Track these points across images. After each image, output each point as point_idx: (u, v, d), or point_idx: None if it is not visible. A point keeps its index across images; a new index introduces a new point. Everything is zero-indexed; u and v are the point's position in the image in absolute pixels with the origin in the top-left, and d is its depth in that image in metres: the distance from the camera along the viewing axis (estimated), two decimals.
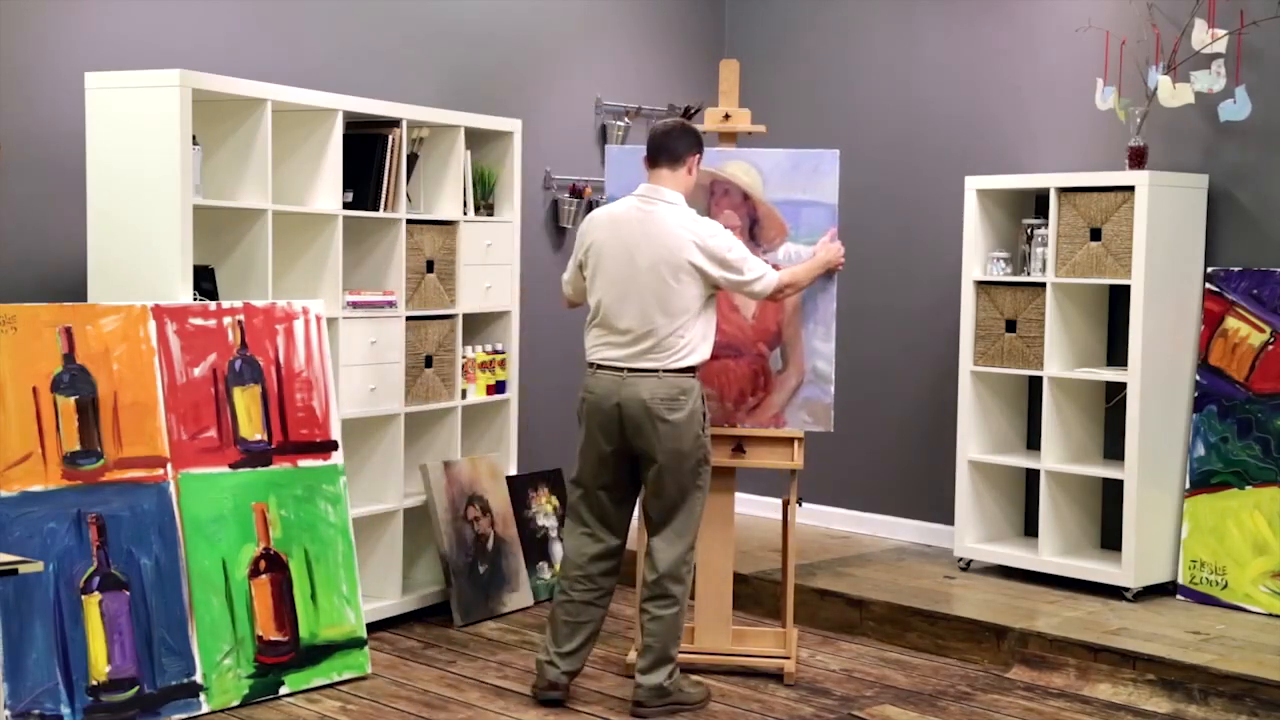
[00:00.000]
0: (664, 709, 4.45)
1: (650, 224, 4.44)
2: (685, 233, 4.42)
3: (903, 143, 6.57)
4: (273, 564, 4.58)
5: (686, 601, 4.53)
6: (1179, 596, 5.52)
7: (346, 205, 5.22)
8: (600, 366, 4.49)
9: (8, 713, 3.93)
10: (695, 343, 4.46)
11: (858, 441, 6.73)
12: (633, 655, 4.79)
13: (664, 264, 4.40)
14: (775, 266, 4.66)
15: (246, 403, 4.63)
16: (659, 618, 4.47)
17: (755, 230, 4.82)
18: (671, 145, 4.49)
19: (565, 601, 4.57)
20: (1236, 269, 5.51)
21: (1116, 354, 5.71)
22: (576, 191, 6.62)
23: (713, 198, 4.82)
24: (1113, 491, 5.68)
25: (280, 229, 5.00)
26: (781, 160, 4.83)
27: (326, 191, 5.14)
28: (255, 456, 4.62)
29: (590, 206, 6.73)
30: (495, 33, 6.33)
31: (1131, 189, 5.39)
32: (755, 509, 6.78)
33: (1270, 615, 5.28)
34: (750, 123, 4.92)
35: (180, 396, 4.47)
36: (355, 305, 5.22)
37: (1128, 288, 5.44)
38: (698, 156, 4.54)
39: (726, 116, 4.90)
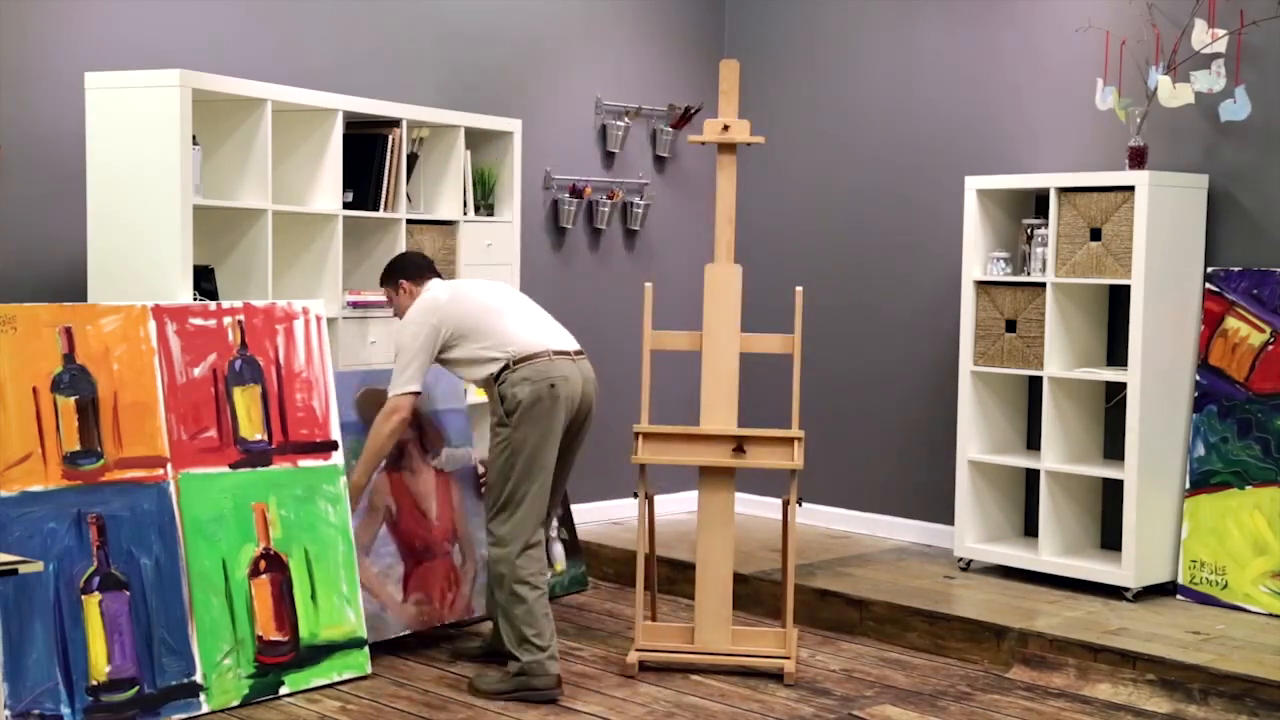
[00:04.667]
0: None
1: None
2: None
3: (903, 143, 6.57)
4: (273, 564, 4.58)
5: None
6: (1179, 596, 5.52)
7: (346, 205, 5.23)
8: (558, 353, 4.66)
9: (8, 713, 3.93)
10: None
11: (858, 441, 6.73)
12: (632, 656, 4.80)
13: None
14: (439, 470, 5.16)
15: (246, 403, 4.63)
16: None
17: (423, 439, 5.14)
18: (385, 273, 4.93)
19: (544, 595, 4.67)
20: (1236, 269, 5.51)
21: (1116, 354, 5.71)
22: (576, 191, 6.62)
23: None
24: (1113, 491, 5.68)
25: (280, 229, 5.00)
26: (429, 374, 5.03)
27: (326, 191, 5.14)
28: (255, 456, 4.61)
29: (590, 206, 6.74)
30: (495, 33, 6.33)
31: (1131, 189, 5.39)
32: (755, 509, 6.78)
33: (1270, 615, 5.28)
34: (750, 133, 4.91)
35: (180, 396, 4.47)
36: (355, 305, 5.22)
37: (1128, 288, 5.44)
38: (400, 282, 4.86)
39: (726, 128, 4.89)
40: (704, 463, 4.82)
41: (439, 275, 4.92)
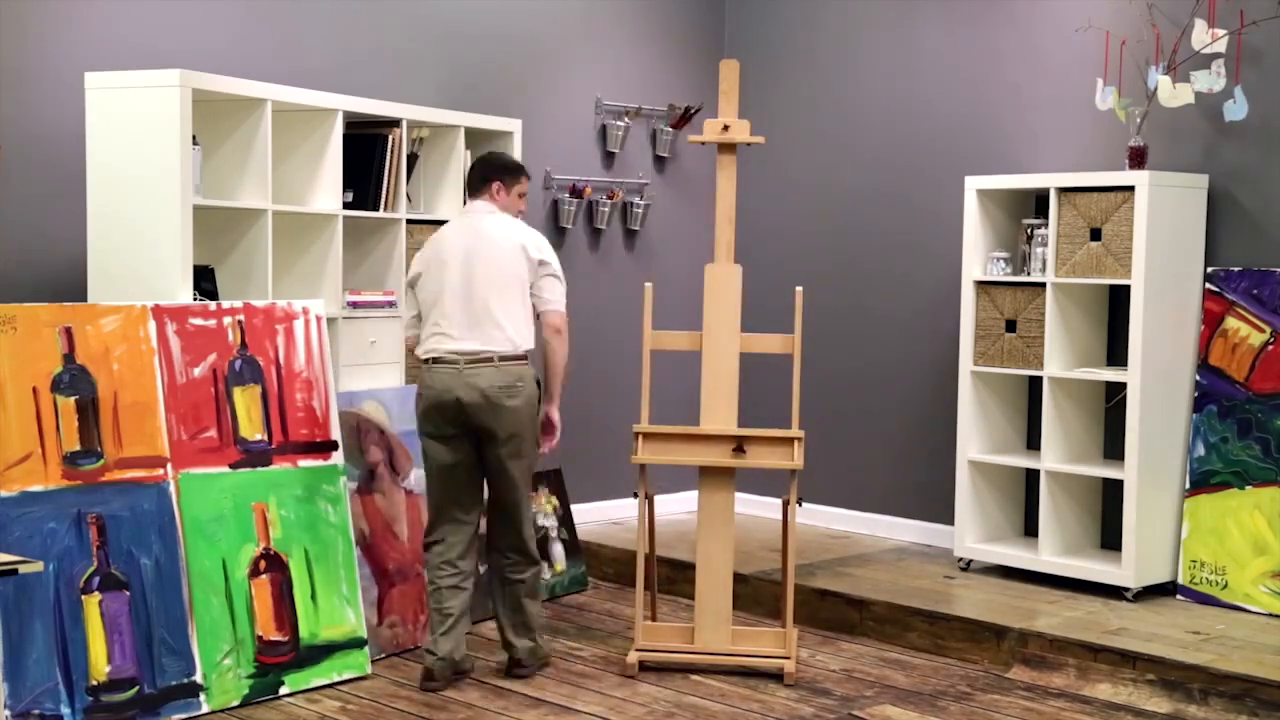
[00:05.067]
0: (539, 667, 4.83)
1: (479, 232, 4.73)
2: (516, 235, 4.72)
3: (903, 143, 6.57)
4: (273, 564, 4.58)
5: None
6: (1179, 596, 5.52)
7: (346, 205, 5.23)
8: (437, 360, 4.67)
9: (8, 713, 3.93)
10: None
11: (858, 441, 6.73)
12: (632, 656, 4.80)
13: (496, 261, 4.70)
14: (409, 493, 5.16)
15: (246, 403, 4.63)
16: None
17: (393, 460, 5.16)
18: (471, 177, 4.88)
19: (437, 590, 4.77)
20: (1236, 269, 5.51)
21: (1116, 354, 5.71)
22: (576, 191, 6.62)
23: (362, 435, 5.07)
24: (1113, 491, 5.68)
25: (280, 229, 5.00)
26: (395, 395, 5.20)
27: (326, 191, 5.14)
28: (255, 456, 4.61)
29: (590, 206, 6.74)
30: (495, 33, 6.33)
31: (1131, 189, 5.39)
32: (755, 509, 6.78)
33: (1270, 615, 5.28)
34: (750, 133, 4.91)
35: (180, 396, 4.47)
36: (355, 305, 5.22)
37: (1128, 288, 5.44)
38: (498, 182, 4.79)
39: (726, 128, 4.89)
40: (704, 463, 4.82)
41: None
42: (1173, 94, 5.43)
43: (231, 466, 4.55)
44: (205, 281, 4.89)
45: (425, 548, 4.76)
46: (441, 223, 5.58)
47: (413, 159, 5.54)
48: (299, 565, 4.64)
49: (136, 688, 4.21)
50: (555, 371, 4.77)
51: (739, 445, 4.81)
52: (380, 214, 5.31)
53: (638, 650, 4.86)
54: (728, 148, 4.92)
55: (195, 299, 4.70)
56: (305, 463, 4.73)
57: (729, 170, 4.91)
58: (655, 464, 4.84)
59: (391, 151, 5.32)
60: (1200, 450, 5.52)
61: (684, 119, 6.96)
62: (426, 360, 4.67)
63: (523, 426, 4.64)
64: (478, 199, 4.79)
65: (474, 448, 4.66)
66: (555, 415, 4.83)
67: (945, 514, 6.18)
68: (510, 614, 4.79)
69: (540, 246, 4.73)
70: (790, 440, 4.79)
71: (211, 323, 4.59)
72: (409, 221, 5.42)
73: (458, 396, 4.57)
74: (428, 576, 4.74)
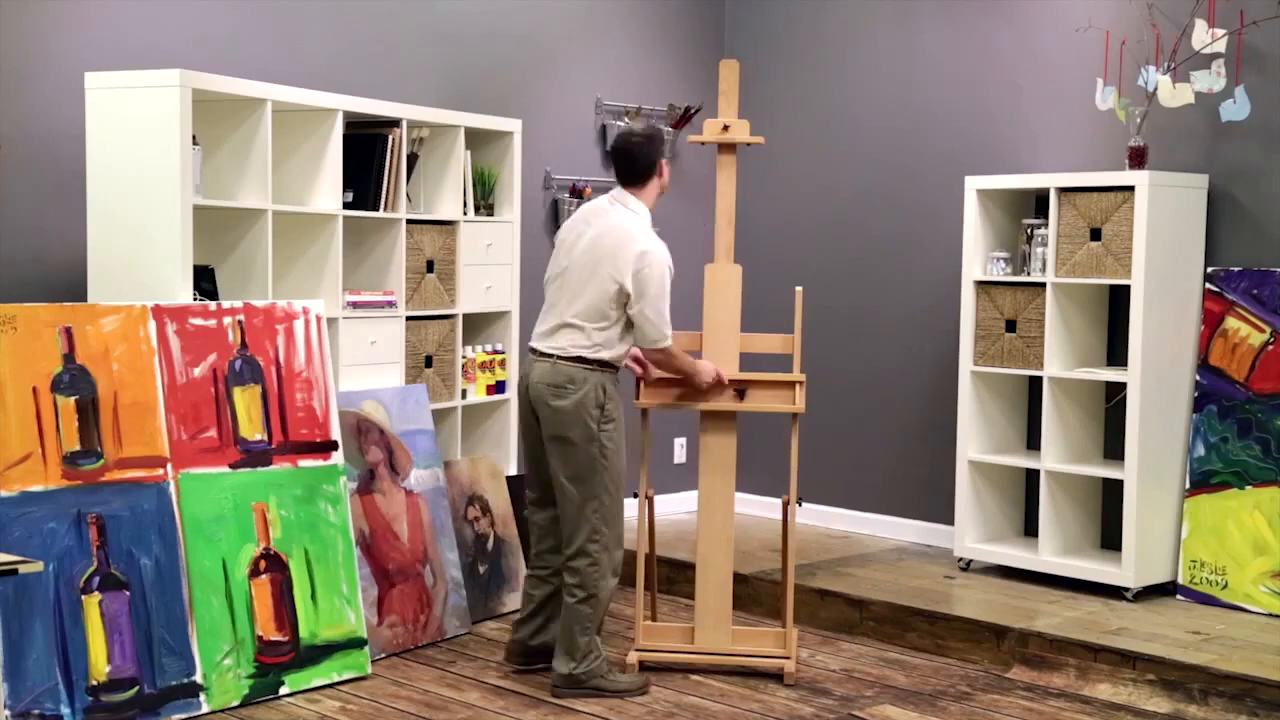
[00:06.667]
0: (579, 694, 4.58)
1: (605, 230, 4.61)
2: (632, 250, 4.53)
3: (903, 143, 6.57)
4: (273, 564, 4.58)
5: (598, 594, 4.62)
6: (1179, 596, 5.52)
7: (346, 205, 5.23)
8: (531, 349, 4.73)
9: (8, 713, 3.93)
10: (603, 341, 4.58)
11: (858, 441, 6.73)
12: (632, 656, 4.80)
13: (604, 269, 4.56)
14: (409, 493, 5.15)
15: (246, 403, 4.63)
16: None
17: (393, 460, 5.15)
18: (627, 168, 4.65)
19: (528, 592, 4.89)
20: (1236, 269, 5.51)
21: (1116, 354, 5.71)
22: (576, 191, 6.61)
23: (362, 435, 5.07)
24: (1113, 491, 5.68)
25: (280, 229, 5.00)
26: (395, 394, 5.21)
27: (326, 191, 5.14)
28: (255, 456, 4.61)
29: None
30: (495, 33, 6.33)
31: (1131, 189, 5.39)
32: (755, 509, 6.78)
33: (1270, 615, 5.28)
34: (750, 133, 4.91)
35: (180, 396, 4.47)
36: (355, 305, 5.22)
37: (1128, 288, 5.44)
38: (661, 162, 4.66)
39: (725, 128, 4.89)
40: (705, 407, 4.81)
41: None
42: (1173, 94, 5.43)
43: (231, 466, 4.55)
44: (205, 281, 4.89)
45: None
46: (441, 223, 5.59)
47: (413, 159, 5.54)
48: (299, 565, 4.64)
49: (136, 688, 4.21)
50: (678, 364, 4.69)
51: (740, 391, 4.80)
52: (380, 214, 5.31)
53: (638, 650, 4.86)
54: (728, 148, 4.92)
55: (195, 299, 4.70)
56: (305, 463, 4.73)
57: (729, 170, 4.91)
58: (657, 408, 4.87)
59: (391, 151, 5.31)
60: (1200, 450, 5.53)
61: (684, 119, 6.96)
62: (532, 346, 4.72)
63: (569, 429, 4.52)
64: (627, 189, 4.66)
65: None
66: (700, 367, 4.71)
67: (945, 514, 6.19)
68: (559, 629, 4.67)
69: (639, 272, 4.51)
70: (791, 384, 4.78)
71: (211, 323, 4.59)
72: (409, 221, 5.42)
73: (526, 384, 4.65)
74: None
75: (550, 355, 4.57)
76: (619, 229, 4.57)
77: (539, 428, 4.62)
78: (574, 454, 4.53)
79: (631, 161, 4.63)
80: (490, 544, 5.56)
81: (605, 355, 4.55)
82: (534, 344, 4.66)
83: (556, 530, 4.72)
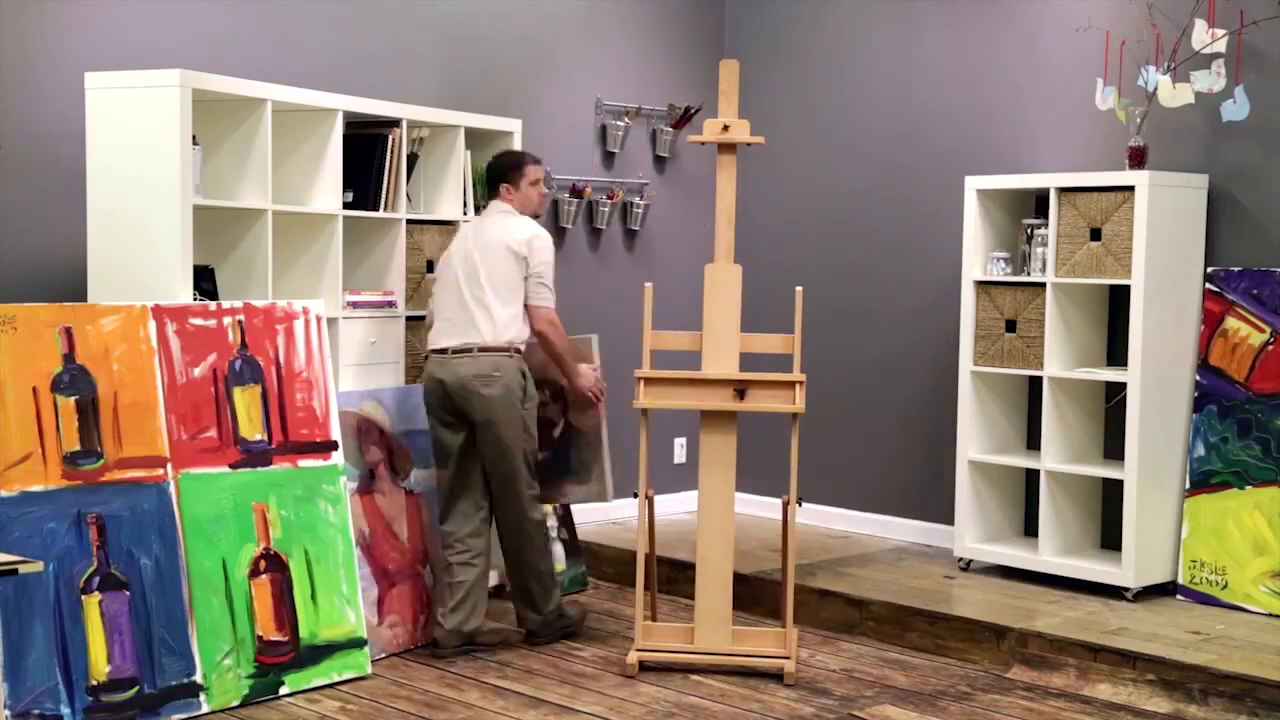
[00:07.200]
0: (560, 634, 5.19)
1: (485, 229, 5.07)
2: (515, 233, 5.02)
3: (903, 143, 6.57)
4: (273, 564, 4.58)
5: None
6: (1179, 596, 5.52)
7: (346, 205, 5.23)
8: (434, 351, 5.08)
9: (8, 713, 3.92)
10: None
11: (858, 441, 6.73)
12: (633, 656, 4.81)
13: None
14: (409, 493, 5.23)
15: (246, 403, 4.63)
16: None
17: (393, 460, 5.20)
18: (492, 175, 5.21)
19: (449, 567, 5.10)
20: (1236, 269, 5.51)
21: (1116, 354, 5.71)
22: (576, 191, 6.62)
23: (362, 435, 5.09)
24: (1113, 491, 5.68)
25: (280, 229, 5.00)
26: (395, 395, 5.26)
27: (326, 191, 5.14)
28: (255, 456, 4.61)
29: (590, 206, 6.74)
30: (495, 33, 6.33)
31: (1131, 189, 5.39)
32: (755, 509, 6.78)
33: (1270, 615, 5.28)
34: (750, 133, 4.91)
35: (180, 396, 4.47)
36: (355, 305, 5.22)
37: (1128, 288, 5.44)
38: (504, 185, 5.14)
39: (725, 128, 4.89)
40: (705, 407, 4.81)
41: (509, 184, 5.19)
42: (1173, 94, 5.43)
43: (231, 466, 4.55)
44: (205, 281, 4.89)
45: (441, 533, 5.08)
46: (441, 223, 5.60)
47: (413, 159, 5.54)
48: (299, 565, 4.64)
49: (136, 688, 4.21)
50: (558, 355, 5.08)
51: (740, 391, 4.79)
52: (380, 214, 5.31)
53: (638, 650, 4.86)
54: (728, 148, 4.91)
55: (195, 299, 4.70)
56: (305, 463, 4.73)
57: (729, 170, 4.91)
58: (657, 409, 4.89)
59: (391, 151, 5.31)
60: (1200, 450, 5.52)
61: (684, 119, 6.96)
62: (429, 352, 5.04)
63: (497, 412, 4.90)
64: (494, 200, 5.17)
65: (469, 434, 4.98)
66: (580, 383, 5.14)
67: (945, 514, 6.18)
68: (518, 590, 5.11)
69: (531, 246, 5.00)
70: (791, 384, 4.77)
71: (211, 323, 4.59)
72: (409, 221, 5.42)
73: (441, 379, 4.93)
74: (442, 557, 5.04)
75: (469, 349, 4.91)
76: (494, 228, 5.03)
77: (459, 423, 4.95)
78: (505, 434, 4.91)
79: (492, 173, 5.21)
80: (557, 433, 5.34)
81: (516, 341, 4.96)
82: (440, 345, 4.96)
83: (477, 515, 5.03)
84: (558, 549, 5.87)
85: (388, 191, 5.33)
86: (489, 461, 4.99)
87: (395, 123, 5.34)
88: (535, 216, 5.20)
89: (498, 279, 4.95)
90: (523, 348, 5.02)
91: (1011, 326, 5.76)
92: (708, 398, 4.81)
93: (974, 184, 5.86)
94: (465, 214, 5.66)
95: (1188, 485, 5.55)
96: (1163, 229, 5.40)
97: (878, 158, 6.65)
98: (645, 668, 4.85)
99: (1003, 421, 6.02)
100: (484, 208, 5.35)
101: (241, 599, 4.48)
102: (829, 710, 4.52)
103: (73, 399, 4.24)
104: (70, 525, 4.16)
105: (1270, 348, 5.39)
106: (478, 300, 4.94)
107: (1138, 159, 5.52)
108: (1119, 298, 5.72)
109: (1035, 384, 5.93)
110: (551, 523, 5.89)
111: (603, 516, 6.72)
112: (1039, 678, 4.85)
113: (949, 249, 6.19)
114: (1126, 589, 5.45)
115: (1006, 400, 6.02)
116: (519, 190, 5.14)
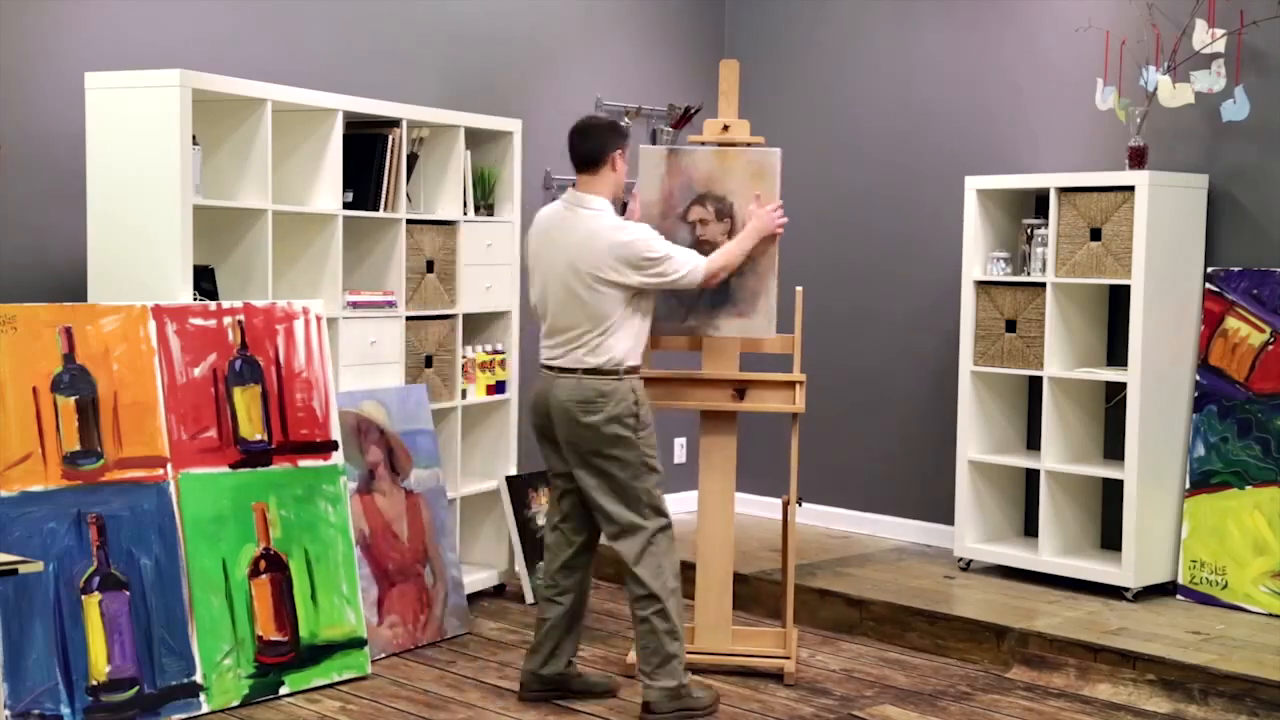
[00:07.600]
0: (674, 713, 4.36)
1: (571, 231, 4.40)
2: (603, 243, 4.33)
3: (903, 143, 6.57)
4: (273, 564, 4.58)
5: (669, 603, 4.39)
6: (1179, 596, 5.52)
7: (346, 205, 5.23)
8: (544, 366, 4.49)
9: (8, 713, 3.93)
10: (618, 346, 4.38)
11: (858, 441, 6.73)
12: (632, 656, 4.80)
13: (584, 272, 4.35)
14: (409, 493, 5.12)
15: (246, 403, 4.63)
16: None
17: (393, 460, 5.16)
18: (584, 149, 4.42)
19: (546, 606, 4.64)
20: (1236, 269, 5.51)
21: (1116, 354, 5.71)
22: None
23: (362, 435, 5.07)
24: (1113, 491, 5.68)
25: (280, 229, 5.00)
26: (395, 394, 5.21)
27: (326, 191, 5.14)
28: (255, 456, 4.61)
29: None
30: (495, 33, 6.33)
31: (1131, 189, 5.39)
32: (755, 509, 6.78)
33: (1270, 615, 5.28)
34: (750, 133, 4.91)
35: (180, 396, 4.47)
36: (355, 305, 5.22)
37: (1128, 288, 5.44)
38: (619, 150, 4.44)
39: (725, 128, 4.89)
40: (705, 407, 4.81)
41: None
42: (1173, 94, 5.43)
43: (231, 466, 4.55)
44: (205, 281, 4.89)
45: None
46: (441, 223, 5.59)
47: (413, 159, 5.54)
48: (299, 565, 4.64)
49: (136, 688, 4.21)
50: (735, 254, 4.55)
51: (740, 391, 4.79)
52: (380, 214, 5.31)
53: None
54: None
55: (195, 299, 4.70)
56: (305, 463, 4.73)
57: None
58: (656, 409, 4.72)
59: (391, 151, 5.31)
60: (1200, 450, 5.52)
61: (684, 119, 6.96)
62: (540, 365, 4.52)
63: (605, 445, 4.33)
64: (584, 175, 4.43)
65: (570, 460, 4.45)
66: (763, 230, 4.60)
67: (945, 514, 6.19)
68: (639, 650, 4.43)
69: (635, 245, 4.33)
70: (791, 384, 4.77)
71: (211, 323, 4.59)
72: (409, 221, 5.42)
73: (547, 402, 4.42)
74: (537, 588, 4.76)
75: (573, 371, 4.36)
76: (585, 233, 4.37)
77: (559, 446, 4.43)
78: (613, 468, 4.36)
79: (583, 140, 4.43)
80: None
81: (625, 361, 4.38)
82: (549, 361, 4.44)
83: (569, 549, 4.56)
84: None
85: (388, 191, 5.33)
86: (590, 503, 4.45)
87: (395, 123, 5.33)
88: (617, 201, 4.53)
89: (603, 292, 4.33)
90: (636, 365, 4.43)
91: (1011, 326, 5.76)
92: (707, 398, 4.81)
93: (974, 184, 5.86)
94: (465, 214, 5.66)
95: (1188, 485, 5.55)
96: (1163, 229, 5.40)
97: (878, 158, 6.65)
98: None
99: (1003, 421, 6.03)
100: (565, 190, 4.59)
101: (241, 599, 4.48)
102: (829, 710, 4.52)
103: (73, 399, 4.24)
104: (70, 525, 4.16)
105: (1270, 348, 5.40)
106: (579, 316, 4.35)
107: (1138, 159, 5.52)
108: (1119, 298, 5.72)
109: (1035, 384, 5.93)
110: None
111: None
112: (1039, 678, 4.85)
113: (949, 249, 6.19)
114: (1126, 589, 5.45)
115: (1006, 400, 6.03)
116: (615, 172, 4.44)
